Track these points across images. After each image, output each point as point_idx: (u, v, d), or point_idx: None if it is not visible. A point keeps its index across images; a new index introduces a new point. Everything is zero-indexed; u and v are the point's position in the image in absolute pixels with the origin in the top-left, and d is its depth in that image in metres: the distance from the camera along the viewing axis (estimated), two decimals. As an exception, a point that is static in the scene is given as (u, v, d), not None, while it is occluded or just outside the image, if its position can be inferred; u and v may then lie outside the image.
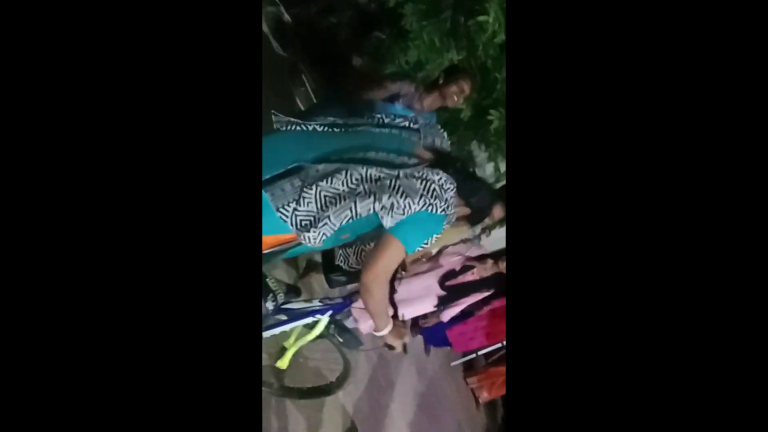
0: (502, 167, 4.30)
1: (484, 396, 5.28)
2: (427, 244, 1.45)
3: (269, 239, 1.46)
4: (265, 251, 1.47)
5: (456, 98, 2.50)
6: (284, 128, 1.60)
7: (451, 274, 3.19)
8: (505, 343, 4.83)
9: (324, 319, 1.73)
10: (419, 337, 4.22)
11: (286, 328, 1.67)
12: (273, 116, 1.60)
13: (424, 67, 3.04)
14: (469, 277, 3.19)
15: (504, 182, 4.36)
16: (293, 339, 1.79)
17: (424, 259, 3.31)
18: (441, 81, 2.49)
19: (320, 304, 1.73)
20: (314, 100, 3.82)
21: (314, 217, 1.38)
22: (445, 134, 1.91)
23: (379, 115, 1.66)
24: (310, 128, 1.57)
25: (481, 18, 2.43)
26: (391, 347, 1.70)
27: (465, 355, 5.05)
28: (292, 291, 1.66)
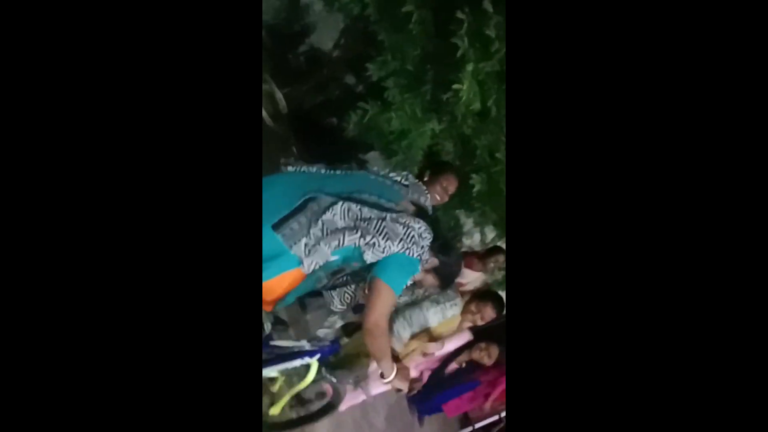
0: (489, 234, 4.40)
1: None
2: (408, 284, 1.63)
3: (278, 280, 1.55)
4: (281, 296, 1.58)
5: (439, 197, 2.62)
6: (292, 168, 1.81)
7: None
8: (503, 415, 4.73)
9: (314, 364, 1.77)
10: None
11: (274, 371, 1.67)
12: (281, 160, 1.82)
13: (407, 136, 3.20)
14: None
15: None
16: (280, 385, 1.79)
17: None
18: (426, 178, 2.57)
19: (309, 345, 1.75)
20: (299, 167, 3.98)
21: (318, 239, 1.56)
22: (429, 196, 2.11)
23: (375, 169, 1.95)
24: (314, 170, 1.81)
25: (456, 86, 2.61)
26: (399, 390, 1.78)
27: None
28: (279, 322, 1.68)
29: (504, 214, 3.65)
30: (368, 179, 1.82)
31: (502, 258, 3.74)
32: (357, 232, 1.57)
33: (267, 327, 1.60)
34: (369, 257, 1.58)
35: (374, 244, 1.56)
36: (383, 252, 1.57)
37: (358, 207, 1.62)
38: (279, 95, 3.85)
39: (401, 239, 1.58)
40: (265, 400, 1.80)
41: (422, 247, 1.62)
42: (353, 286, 1.69)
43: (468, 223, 4.27)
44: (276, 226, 1.55)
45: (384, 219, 1.60)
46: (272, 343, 1.65)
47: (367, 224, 1.58)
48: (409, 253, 1.59)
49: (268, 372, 1.69)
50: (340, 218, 1.59)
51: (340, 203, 1.60)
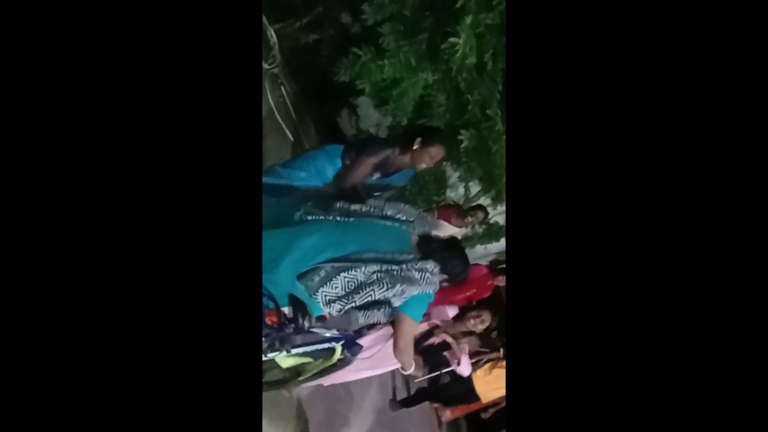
0: (473, 189, 4.42)
1: (447, 416, 5.28)
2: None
3: None
4: None
5: (425, 165, 2.72)
6: (311, 218, 1.95)
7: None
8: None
9: (339, 347, 2.04)
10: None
11: (306, 349, 1.93)
12: (303, 207, 1.99)
13: (399, 85, 3.14)
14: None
15: (476, 203, 4.48)
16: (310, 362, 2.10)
17: None
18: (416, 146, 2.64)
19: (337, 333, 1.99)
20: (293, 114, 3.91)
21: (339, 296, 1.80)
22: (429, 217, 2.28)
23: (381, 208, 2.07)
24: (330, 218, 1.96)
25: (453, 39, 2.54)
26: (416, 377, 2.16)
27: (430, 372, 5.07)
28: (322, 318, 1.90)
29: (491, 170, 3.65)
30: (379, 228, 2.00)
31: (481, 215, 3.84)
32: (383, 285, 1.82)
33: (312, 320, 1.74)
34: (397, 303, 1.90)
35: (400, 292, 1.85)
36: (406, 296, 1.88)
37: (378, 264, 1.85)
38: (271, 31, 3.71)
39: (419, 284, 1.88)
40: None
41: (435, 282, 1.94)
42: (376, 310, 1.93)
43: (453, 177, 4.27)
44: (299, 277, 1.80)
45: (401, 270, 1.86)
46: (312, 329, 1.87)
47: (389, 275, 1.84)
48: (425, 292, 1.92)
49: (303, 350, 1.93)
50: (363, 276, 1.83)
51: (362, 266, 1.83)
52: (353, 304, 1.80)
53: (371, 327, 2.12)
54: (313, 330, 1.85)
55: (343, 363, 2.12)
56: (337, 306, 1.79)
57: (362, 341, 2.15)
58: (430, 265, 1.93)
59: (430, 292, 1.94)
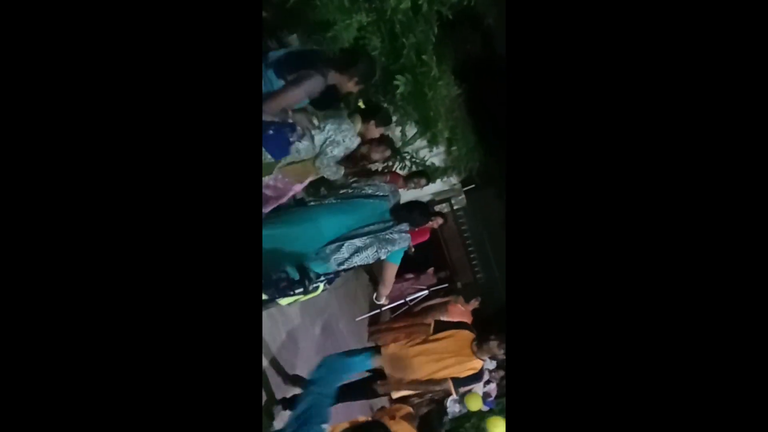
0: (409, 131, 4.42)
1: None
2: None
3: None
4: None
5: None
6: (314, 203, 2.81)
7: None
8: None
9: (322, 286, 2.58)
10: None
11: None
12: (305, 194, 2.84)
13: (332, 28, 3.02)
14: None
15: (411, 145, 4.50)
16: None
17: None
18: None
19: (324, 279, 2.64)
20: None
21: (345, 258, 2.64)
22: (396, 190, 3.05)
23: (362, 188, 2.88)
24: (326, 201, 2.80)
25: (386, -19, 2.45)
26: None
27: (371, 310, 5.26)
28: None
29: (426, 114, 3.66)
30: (367, 205, 2.79)
31: (423, 181, 4.16)
32: (374, 248, 2.70)
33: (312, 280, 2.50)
34: (383, 257, 2.77)
35: (384, 251, 2.72)
36: (389, 252, 2.76)
37: (371, 235, 2.71)
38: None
39: (399, 243, 2.77)
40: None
41: (408, 237, 2.83)
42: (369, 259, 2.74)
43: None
44: (319, 252, 2.61)
45: (385, 236, 2.72)
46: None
47: (378, 240, 2.70)
48: (403, 247, 2.87)
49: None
50: (361, 243, 2.68)
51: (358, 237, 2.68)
52: (354, 264, 2.66)
53: None
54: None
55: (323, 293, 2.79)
56: (343, 265, 2.65)
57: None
58: (404, 226, 2.79)
59: (405, 245, 2.86)
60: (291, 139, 2.59)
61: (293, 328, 3.52)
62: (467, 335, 3.00)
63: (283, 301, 2.57)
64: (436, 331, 3.05)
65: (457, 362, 2.90)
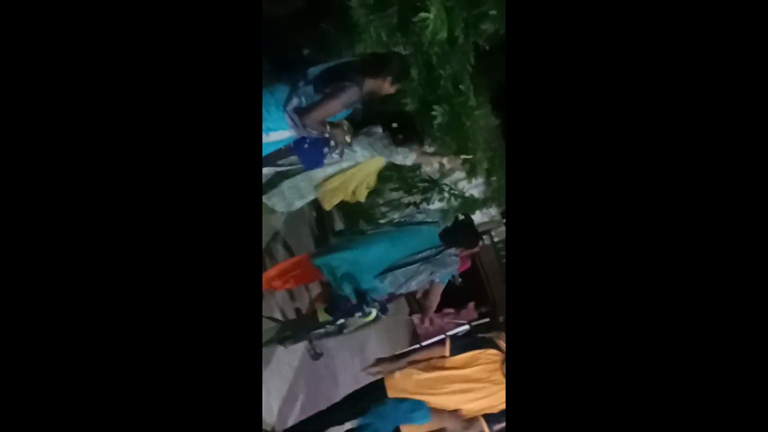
0: (447, 164, 4.40)
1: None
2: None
3: None
4: None
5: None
6: (371, 231, 3.06)
7: None
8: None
9: (374, 311, 2.79)
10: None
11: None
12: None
13: (370, 61, 3.08)
14: None
15: (449, 177, 4.47)
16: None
17: None
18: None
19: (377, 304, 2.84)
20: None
21: (401, 283, 2.83)
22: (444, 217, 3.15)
23: (413, 216, 3.17)
24: (383, 230, 3.04)
25: (423, 14, 2.49)
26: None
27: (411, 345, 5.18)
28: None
29: (464, 145, 3.65)
30: (420, 232, 2.97)
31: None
32: (427, 270, 2.86)
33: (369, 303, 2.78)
34: (436, 279, 2.91)
35: (437, 273, 2.87)
36: (440, 275, 2.92)
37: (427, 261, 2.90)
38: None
39: (449, 266, 2.91)
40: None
41: (458, 260, 2.99)
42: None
43: (427, 151, 4.24)
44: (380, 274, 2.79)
45: (437, 259, 2.87)
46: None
47: (431, 263, 2.87)
48: (452, 270, 2.97)
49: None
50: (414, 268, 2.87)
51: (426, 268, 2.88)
52: (411, 288, 2.91)
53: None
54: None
55: (377, 320, 2.94)
56: (401, 289, 2.87)
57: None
58: (454, 250, 2.92)
59: (454, 270, 2.98)
60: (325, 152, 2.72)
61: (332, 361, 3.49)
62: (496, 356, 2.38)
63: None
64: (455, 351, 2.44)
65: (487, 393, 2.31)
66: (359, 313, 2.64)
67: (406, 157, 3.17)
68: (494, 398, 2.29)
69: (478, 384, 2.31)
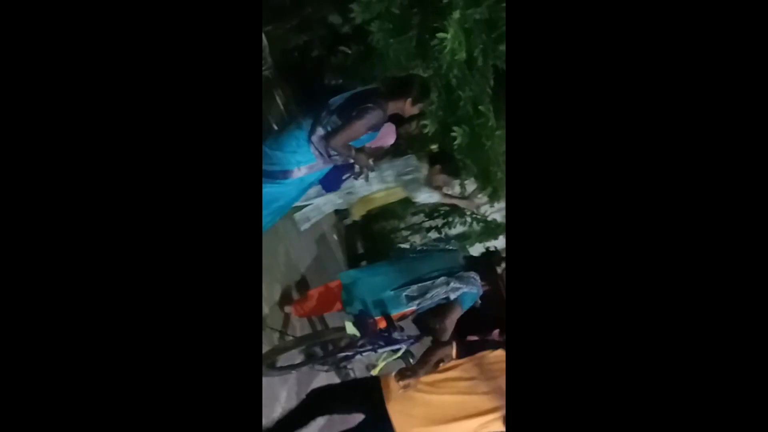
0: (470, 187, 4.39)
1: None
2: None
3: None
4: None
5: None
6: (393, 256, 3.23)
7: None
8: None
9: (403, 348, 2.59)
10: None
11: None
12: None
13: (390, 83, 3.12)
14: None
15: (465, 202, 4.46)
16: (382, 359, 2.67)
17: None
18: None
19: (405, 337, 2.62)
20: (285, 116, 3.89)
21: (415, 296, 2.84)
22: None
23: (442, 243, 3.22)
24: (405, 256, 3.21)
25: (441, 35, 2.52)
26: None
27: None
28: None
29: (486, 167, 3.64)
30: (437, 256, 3.04)
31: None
32: (447, 285, 2.83)
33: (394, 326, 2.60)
34: (453, 297, 2.80)
35: (455, 290, 2.80)
36: (457, 291, 2.82)
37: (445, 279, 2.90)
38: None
39: (469, 283, 2.82)
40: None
41: (479, 285, 2.86)
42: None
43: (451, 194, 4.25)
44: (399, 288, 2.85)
45: (456, 277, 2.84)
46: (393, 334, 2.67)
47: (449, 278, 2.85)
48: (471, 290, 2.83)
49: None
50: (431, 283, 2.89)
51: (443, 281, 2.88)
52: (426, 302, 2.81)
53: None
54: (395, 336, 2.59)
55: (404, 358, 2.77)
56: (415, 301, 2.81)
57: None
58: (473, 273, 2.90)
59: (474, 291, 2.82)
60: (344, 177, 2.76)
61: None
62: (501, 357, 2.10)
63: (375, 370, 2.54)
64: (463, 353, 2.26)
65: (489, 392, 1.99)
66: (385, 347, 2.40)
67: (430, 196, 3.37)
68: (495, 398, 1.93)
69: (480, 384, 2.03)
